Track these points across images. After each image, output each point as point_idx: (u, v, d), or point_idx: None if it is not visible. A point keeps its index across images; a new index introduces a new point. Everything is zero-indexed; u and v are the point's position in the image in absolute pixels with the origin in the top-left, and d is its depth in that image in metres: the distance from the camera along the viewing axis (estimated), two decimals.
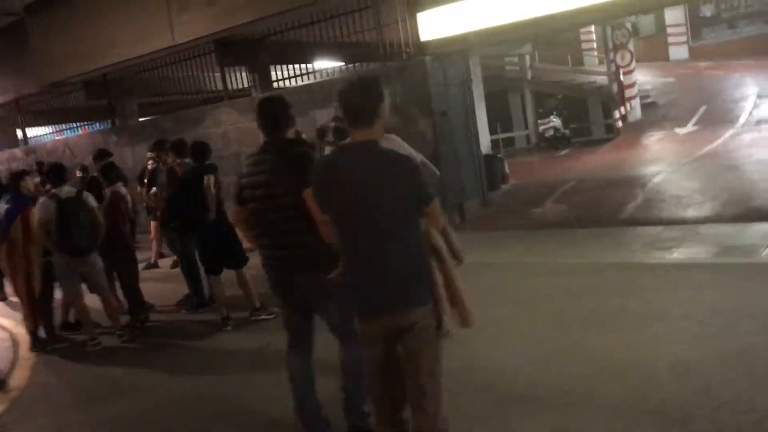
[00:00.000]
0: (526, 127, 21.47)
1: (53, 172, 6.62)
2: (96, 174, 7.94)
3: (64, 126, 17.81)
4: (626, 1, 9.56)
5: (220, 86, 12.91)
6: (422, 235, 3.00)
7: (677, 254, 7.24)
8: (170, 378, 5.68)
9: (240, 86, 13.41)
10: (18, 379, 6.27)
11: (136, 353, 6.59)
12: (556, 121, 18.90)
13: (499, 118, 18.72)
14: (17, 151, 16.88)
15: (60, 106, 15.87)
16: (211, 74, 13.19)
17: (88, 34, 13.68)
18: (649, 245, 7.73)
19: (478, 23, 10.07)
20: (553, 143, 18.85)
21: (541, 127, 19.41)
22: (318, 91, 11.55)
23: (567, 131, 19.04)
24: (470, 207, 11.00)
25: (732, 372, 4.15)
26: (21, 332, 7.46)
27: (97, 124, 16.18)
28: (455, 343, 3.29)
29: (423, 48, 10.51)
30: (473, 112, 11.37)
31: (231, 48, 12.65)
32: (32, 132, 18.09)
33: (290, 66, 12.52)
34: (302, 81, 12.49)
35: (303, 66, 12.49)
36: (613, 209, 9.94)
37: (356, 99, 2.97)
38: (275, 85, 12.89)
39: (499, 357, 4.97)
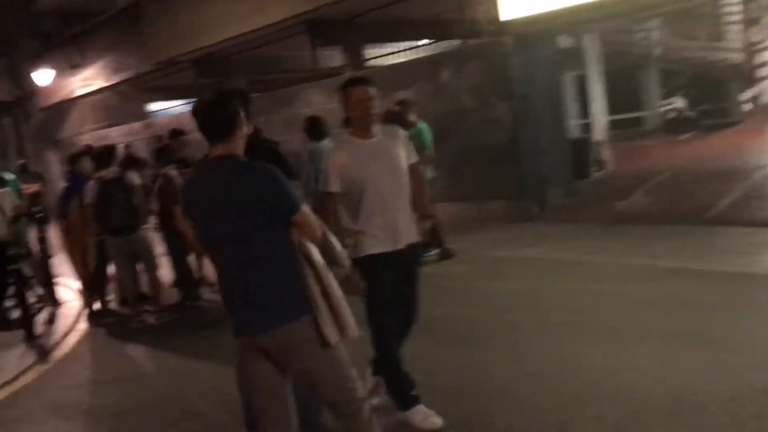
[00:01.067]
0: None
1: (99, 155, 6.93)
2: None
3: (183, 101, 18.64)
4: None
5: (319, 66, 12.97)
6: (294, 245, 2.87)
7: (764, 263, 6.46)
8: (195, 364, 5.71)
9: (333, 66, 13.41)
10: (63, 348, 6.65)
11: (178, 333, 6.73)
12: (679, 102, 17.48)
13: (627, 98, 17.53)
14: (135, 126, 17.92)
15: (172, 83, 16.61)
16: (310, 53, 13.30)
17: (192, 14, 14.16)
18: (731, 250, 6.93)
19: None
20: (674, 126, 17.46)
21: (662, 109, 18.03)
22: (401, 71, 11.33)
23: (692, 113, 17.56)
24: (553, 196, 10.39)
25: None
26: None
27: None
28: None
29: (505, 27, 9.96)
30: (561, 94, 10.68)
31: (322, 28, 12.64)
32: (154, 107, 19.12)
33: (380, 45, 12.33)
34: (392, 60, 12.31)
35: (389, 45, 12.26)
36: (704, 205, 9.01)
37: (211, 115, 2.85)
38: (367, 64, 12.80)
39: (481, 374, 4.60)
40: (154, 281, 7.16)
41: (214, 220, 2.84)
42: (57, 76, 19.62)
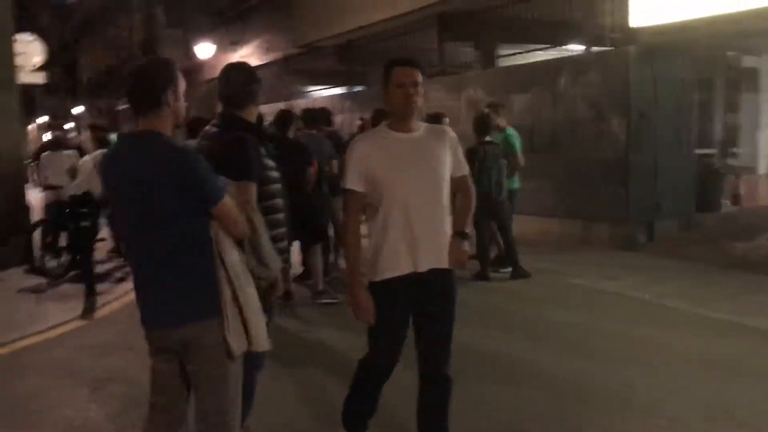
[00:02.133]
0: None
1: None
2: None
3: (326, 87, 19.03)
4: None
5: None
6: (211, 240, 2.60)
7: None
8: None
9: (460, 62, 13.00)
10: (113, 308, 6.95)
11: None
12: None
13: None
14: (281, 105, 18.50)
15: (316, 67, 16.96)
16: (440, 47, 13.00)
17: (333, 1, 14.35)
18: None
19: (708, 8, 8.35)
20: None
21: None
22: (519, 74, 10.72)
23: None
24: (666, 226, 9.37)
25: None
26: None
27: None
28: None
29: (633, 35, 9.08)
30: (688, 115, 9.55)
31: (451, 22, 12.28)
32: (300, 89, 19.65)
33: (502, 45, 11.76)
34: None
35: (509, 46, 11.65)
36: None
37: (139, 83, 2.60)
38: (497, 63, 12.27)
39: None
40: None
41: (131, 203, 2.62)
42: (219, 51, 20.76)
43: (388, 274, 3.08)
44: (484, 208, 7.75)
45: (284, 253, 3.51)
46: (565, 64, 9.94)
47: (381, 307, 3.08)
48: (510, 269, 7.77)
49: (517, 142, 7.84)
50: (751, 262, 8.02)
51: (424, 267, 3.05)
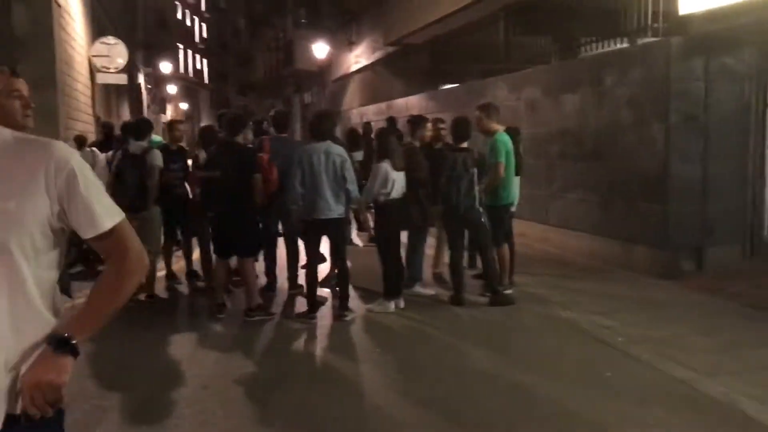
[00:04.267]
0: None
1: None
2: None
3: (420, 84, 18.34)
4: None
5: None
6: None
7: None
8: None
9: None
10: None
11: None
12: None
13: None
14: (383, 105, 18.16)
15: (410, 66, 16.39)
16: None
17: None
18: None
19: None
20: None
21: None
22: (565, 72, 9.49)
23: None
24: (719, 253, 7.74)
25: None
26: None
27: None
28: None
29: (682, 24, 7.59)
30: (748, 120, 7.81)
31: (520, 14, 11.19)
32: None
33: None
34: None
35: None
36: None
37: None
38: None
39: None
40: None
41: None
42: (340, 51, 20.91)
43: None
44: (452, 223, 6.93)
45: None
46: (609, 59, 8.57)
47: None
48: (489, 294, 6.83)
49: (504, 149, 6.81)
50: None
51: None
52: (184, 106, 44.50)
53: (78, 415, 4.06)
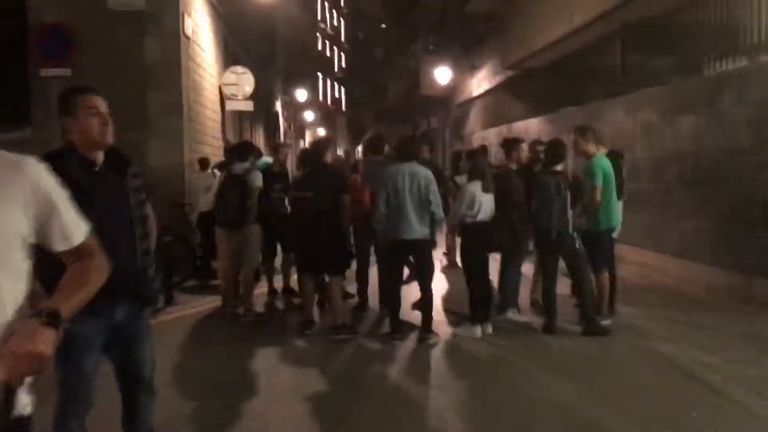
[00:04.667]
0: None
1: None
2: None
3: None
4: None
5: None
6: None
7: None
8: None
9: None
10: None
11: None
12: None
13: None
14: (504, 129, 17.93)
15: (530, 91, 16.08)
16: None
17: (522, 19, 13.52)
18: None
19: None
20: None
21: None
22: (680, 92, 8.94)
23: None
24: None
25: None
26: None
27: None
28: None
29: None
30: None
31: (642, 33, 10.71)
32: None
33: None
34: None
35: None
36: None
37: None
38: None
39: None
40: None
41: None
42: (464, 76, 20.92)
43: None
44: (544, 248, 6.68)
45: None
46: (728, 78, 7.99)
47: None
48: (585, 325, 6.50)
49: (600, 172, 6.51)
50: None
51: None
52: (321, 132, 46.17)
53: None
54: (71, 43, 9.70)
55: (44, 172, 1.79)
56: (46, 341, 1.62)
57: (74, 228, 1.85)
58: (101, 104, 2.90)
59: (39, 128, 9.27)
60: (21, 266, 1.75)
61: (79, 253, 1.88)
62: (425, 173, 6.26)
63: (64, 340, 2.28)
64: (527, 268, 7.62)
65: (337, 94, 55.04)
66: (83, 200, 2.58)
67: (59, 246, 1.82)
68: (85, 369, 2.94)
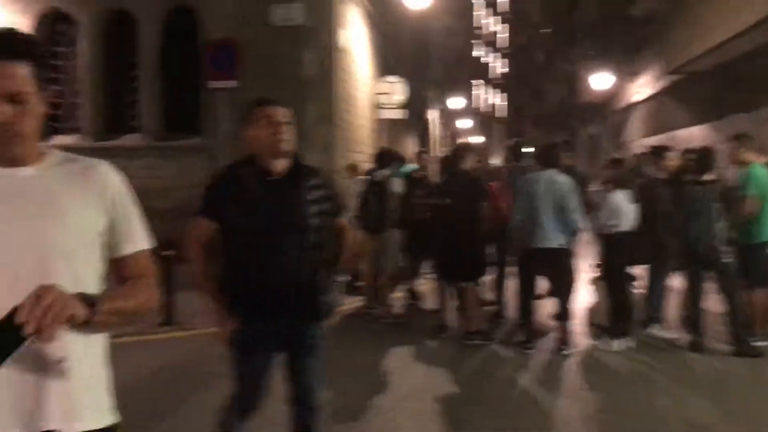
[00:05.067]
0: None
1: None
2: None
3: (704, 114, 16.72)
4: None
5: None
6: None
7: None
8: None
9: None
10: None
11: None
12: None
13: None
14: (667, 136, 16.98)
15: (694, 97, 15.12)
16: None
17: (689, 20, 12.78)
18: None
19: None
20: None
21: None
22: None
23: None
24: None
25: None
26: None
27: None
28: None
29: None
30: None
31: None
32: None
33: None
34: None
35: None
36: None
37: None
38: None
39: None
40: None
41: None
42: (623, 81, 20.08)
43: None
44: (690, 261, 6.33)
45: None
46: None
47: None
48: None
49: (755, 181, 6.09)
50: None
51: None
52: (477, 139, 46.09)
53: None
54: (238, 57, 10.46)
55: (115, 176, 1.78)
56: (76, 306, 1.52)
57: (136, 236, 1.81)
58: (277, 114, 2.93)
59: (206, 137, 10.10)
60: (99, 266, 1.75)
61: (136, 264, 1.81)
62: (563, 180, 6.18)
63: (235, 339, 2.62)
64: (680, 282, 7.26)
65: (494, 101, 54.70)
66: (250, 207, 2.89)
67: (116, 250, 1.78)
68: (250, 371, 3.03)
